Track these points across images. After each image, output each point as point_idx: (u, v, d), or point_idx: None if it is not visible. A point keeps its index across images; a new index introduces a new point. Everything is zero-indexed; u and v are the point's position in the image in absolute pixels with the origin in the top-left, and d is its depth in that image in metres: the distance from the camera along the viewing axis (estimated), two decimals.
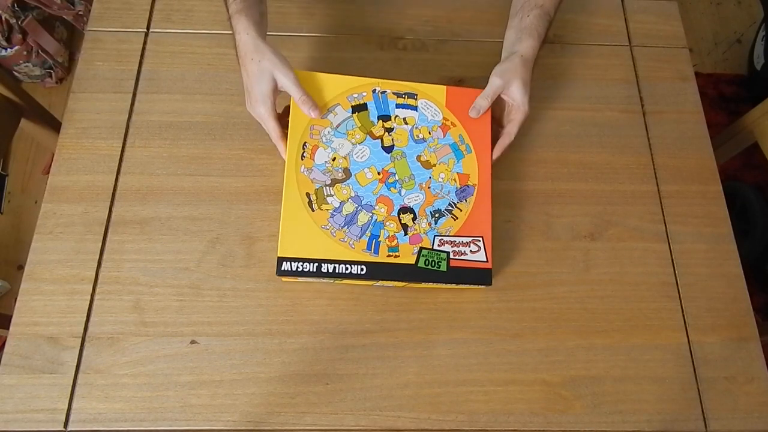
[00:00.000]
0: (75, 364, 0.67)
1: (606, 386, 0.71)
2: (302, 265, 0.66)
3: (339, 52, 0.88)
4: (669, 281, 0.77)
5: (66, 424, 0.65)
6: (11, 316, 0.69)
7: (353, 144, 0.71)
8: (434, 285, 0.71)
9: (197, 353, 0.69)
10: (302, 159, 0.69)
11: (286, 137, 0.70)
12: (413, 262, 0.68)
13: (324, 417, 0.67)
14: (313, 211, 0.68)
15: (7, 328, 0.69)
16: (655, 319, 0.74)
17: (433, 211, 0.70)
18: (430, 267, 0.68)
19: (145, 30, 0.87)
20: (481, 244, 0.70)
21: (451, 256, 0.69)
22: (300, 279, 0.69)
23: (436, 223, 0.70)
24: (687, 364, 0.73)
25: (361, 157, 0.71)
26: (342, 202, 0.69)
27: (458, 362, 0.70)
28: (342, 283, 0.71)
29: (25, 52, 1.53)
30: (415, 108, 0.73)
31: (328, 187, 0.69)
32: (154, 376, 0.67)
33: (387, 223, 0.69)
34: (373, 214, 0.69)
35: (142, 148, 0.79)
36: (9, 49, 1.50)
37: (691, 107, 0.88)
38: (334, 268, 0.66)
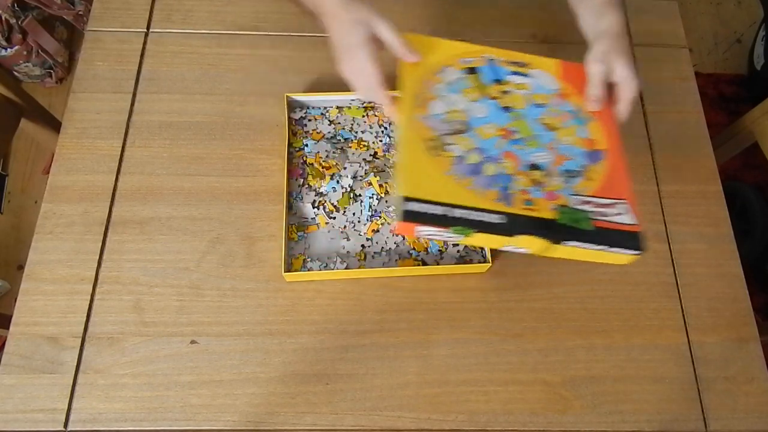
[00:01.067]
0: (75, 364, 0.67)
1: (606, 386, 0.71)
2: (431, 207, 0.58)
3: None
4: (669, 281, 0.77)
5: (66, 424, 0.65)
6: (11, 316, 0.69)
7: (469, 101, 0.67)
8: (572, 252, 0.62)
9: (197, 353, 0.69)
10: (416, 107, 0.65)
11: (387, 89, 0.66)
12: (553, 218, 0.60)
13: (324, 417, 0.67)
14: (433, 157, 0.62)
15: (7, 328, 0.69)
16: (655, 319, 0.74)
17: (565, 170, 0.65)
18: (571, 224, 0.60)
19: (145, 30, 0.87)
20: (625, 206, 0.63)
21: (594, 216, 0.62)
22: (422, 230, 0.59)
23: (570, 182, 0.64)
24: (687, 364, 0.73)
25: (479, 113, 0.67)
26: (466, 151, 0.63)
27: (458, 362, 0.70)
28: (458, 240, 0.60)
29: (25, 52, 1.53)
30: (527, 75, 0.72)
31: (447, 136, 0.64)
32: (154, 376, 0.67)
33: (517, 177, 0.63)
34: (501, 166, 0.63)
35: (142, 148, 0.79)
36: (9, 49, 1.50)
37: (691, 107, 0.88)
38: (468, 214, 0.58)
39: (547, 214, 0.60)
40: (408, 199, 0.58)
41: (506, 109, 0.68)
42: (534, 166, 0.64)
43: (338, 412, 0.67)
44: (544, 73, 0.73)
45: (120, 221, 0.75)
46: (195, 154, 0.79)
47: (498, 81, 0.71)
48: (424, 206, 0.58)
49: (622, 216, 0.63)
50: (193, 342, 0.69)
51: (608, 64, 0.68)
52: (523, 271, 0.76)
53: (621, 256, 0.61)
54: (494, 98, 0.69)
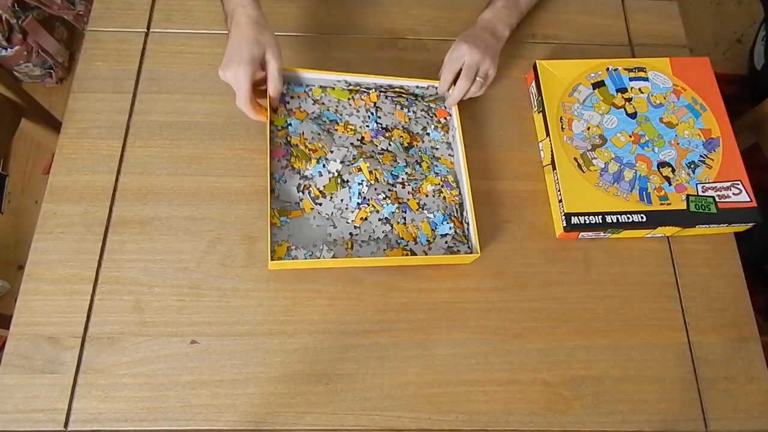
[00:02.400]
0: (75, 364, 0.67)
1: (606, 386, 0.71)
2: (588, 218, 0.74)
3: (339, 52, 0.87)
4: (669, 281, 0.77)
5: (66, 424, 0.65)
6: (11, 316, 0.69)
7: (601, 114, 0.81)
8: (698, 230, 0.77)
9: (197, 353, 0.69)
10: (562, 131, 0.80)
11: (254, 105, 0.73)
12: (684, 208, 0.75)
13: (324, 417, 0.67)
14: (583, 172, 0.77)
15: (7, 328, 0.69)
16: (655, 319, 0.74)
17: (688, 163, 0.78)
18: (701, 210, 0.75)
19: (145, 30, 0.87)
20: (741, 186, 0.78)
21: (717, 200, 0.76)
22: (583, 235, 0.77)
23: (693, 173, 0.78)
24: (687, 364, 0.72)
25: (610, 125, 0.81)
26: (606, 163, 0.78)
27: (458, 362, 0.70)
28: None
29: (25, 52, 1.53)
30: (646, 79, 0.84)
31: (590, 152, 0.79)
32: (154, 376, 0.67)
33: (651, 177, 0.77)
34: (636, 170, 0.78)
35: (142, 148, 0.79)
36: (9, 49, 1.50)
37: None
38: (617, 218, 0.74)
39: (679, 205, 0.76)
40: (571, 214, 0.74)
41: (632, 115, 0.82)
42: (663, 164, 0.78)
43: (338, 412, 0.67)
44: (658, 74, 0.85)
45: (120, 221, 0.75)
46: (195, 154, 0.79)
47: (621, 90, 0.83)
48: (583, 218, 0.74)
49: (739, 195, 0.77)
50: (193, 342, 0.69)
51: (453, 48, 0.80)
52: (522, 270, 0.76)
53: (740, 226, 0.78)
54: (620, 107, 0.82)
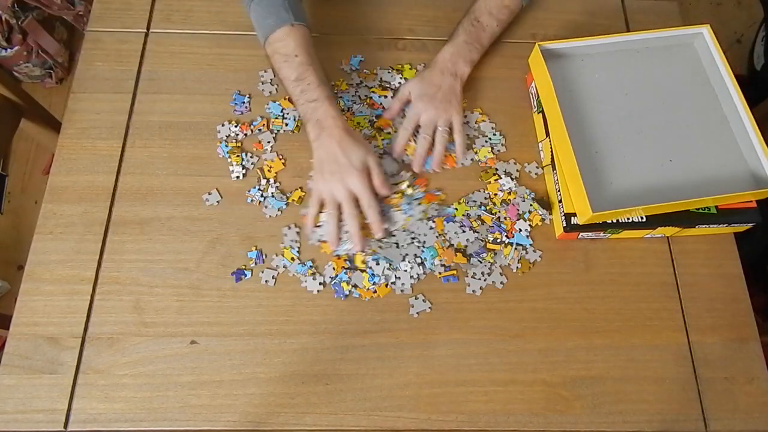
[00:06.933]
0: (75, 365, 0.67)
1: (606, 386, 0.71)
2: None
3: (339, 52, 0.88)
4: (669, 281, 0.77)
5: (66, 425, 0.65)
6: (11, 316, 0.69)
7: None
8: (698, 230, 0.77)
9: (197, 353, 0.69)
10: None
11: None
12: (686, 208, 0.74)
13: (324, 417, 0.67)
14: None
15: (7, 328, 0.69)
16: (655, 319, 0.74)
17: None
18: (701, 210, 0.75)
19: (145, 30, 0.87)
20: None
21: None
22: (582, 235, 0.76)
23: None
24: (687, 365, 0.72)
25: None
26: None
27: (458, 362, 0.70)
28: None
29: (25, 53, 1.53)
30: None
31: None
32: (154, 377, 0.67)
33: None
34: None
35: (142, 148, 0.79)
36: (9, 50, 1.50)
37: None
38: (617, 219, 0.73)
39: (679, 205, 0.73)
40: (570, 215, 0.74)
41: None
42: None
43: (338, 412, 0.67)
44: None
45: (120, 221, 0.75)
46: (195, 154, 0.79)
47: None
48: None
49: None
50: (193, 342, 0.69)
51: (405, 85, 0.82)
52: (522, 271, 0.76)
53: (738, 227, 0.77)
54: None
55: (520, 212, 0.77)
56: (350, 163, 0.71)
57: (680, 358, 0.73)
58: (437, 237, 0.75)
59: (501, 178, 0.80)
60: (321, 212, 0.74)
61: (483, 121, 0.84)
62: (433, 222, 0.76)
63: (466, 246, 0.75)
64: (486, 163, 0.81)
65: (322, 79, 0.74)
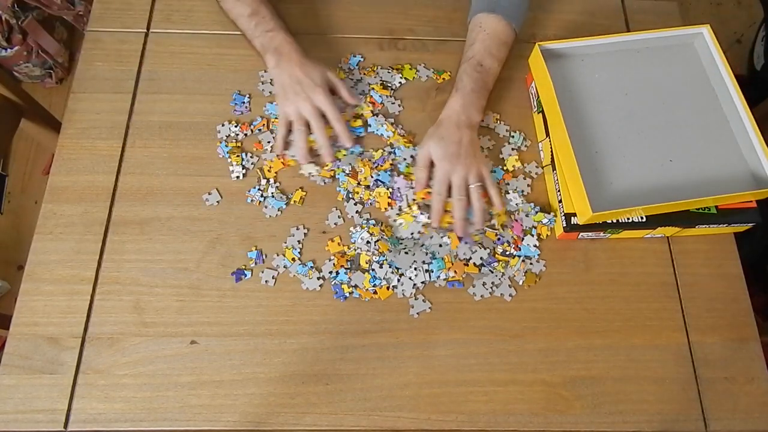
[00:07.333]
0: (75, 365, 0.67)
1: (606, 386, 0.71)
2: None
3: (339, 52, 0.88)
4: (669, 281, 0.77)
5: (66, 425, 0.65)
6: (11, 316, 0.69)
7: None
8: (698, 230, 0.77)
9: (197, 353, 0.69)
10: None
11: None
12: (687, 208, 0.74)
13: (324, 417, 0.67)
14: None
15: (7, 328, 0.69)
16: (655, 319, 0.74)
17: None
18: (701, 210, 0.75)
19: (145, 30, 0.87)
20: None
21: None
22: (582, 235, 0.77)
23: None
24: (687, 365, 0.72)
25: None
26: None
27: (458, 362, 0.70)
28: None
29: (25, 53, 1.53)
30: None
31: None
32: (154, 376, 0.67)
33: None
34: None
35: (142, 148, 0.79)
36: (9, 50, 1.50)
37: None
38: (617, 219, 0.73)
39: (679, 205, 0.73)
40: (570, 215, 0.74)
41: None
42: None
43: (338, 412, 0.67)
44: None
45: (120, 221, 0.75)
46: (195, 154, 0.79)
47: None
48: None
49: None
50: (193, 342, 0.69)
51: (422, 145, 0.78)
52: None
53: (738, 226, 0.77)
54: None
55: (525, 228, 0.77)
56: (313, 81, 0.76)
57: (680, 358, 0.73)
58: (449, 252, 0.75)
59: (509, 193, 0.79)
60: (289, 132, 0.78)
61: (496, 122, 0.84)
62: (449, 239, 0.75)
63: (481, 264, 0.74)
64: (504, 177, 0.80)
65: (275, 13, 0.80)
